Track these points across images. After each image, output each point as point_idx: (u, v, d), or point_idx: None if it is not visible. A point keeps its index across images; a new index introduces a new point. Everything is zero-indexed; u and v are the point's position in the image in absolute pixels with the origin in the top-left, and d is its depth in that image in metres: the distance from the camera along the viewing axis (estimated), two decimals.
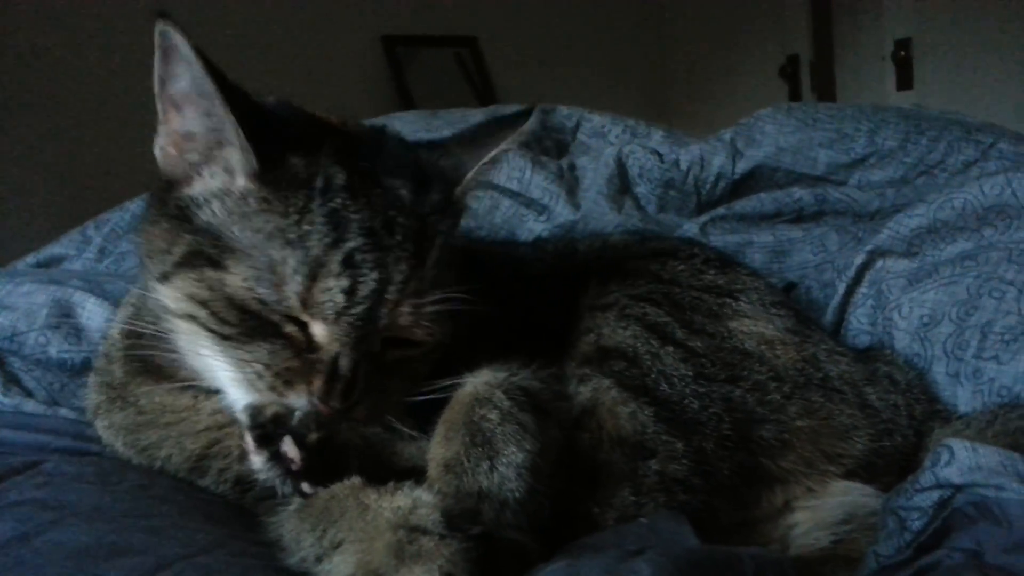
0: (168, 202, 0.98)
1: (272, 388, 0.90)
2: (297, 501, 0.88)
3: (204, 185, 0.96)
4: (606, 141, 2.08)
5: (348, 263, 0.90)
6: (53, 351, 1.40)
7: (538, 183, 1.85)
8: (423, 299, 0.94)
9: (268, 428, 0.87)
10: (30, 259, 1.92)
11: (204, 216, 0.94)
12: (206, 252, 0.92)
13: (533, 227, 1.80)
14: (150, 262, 0.98)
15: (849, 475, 1.12)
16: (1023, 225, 1.40)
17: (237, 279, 0.90)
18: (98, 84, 3.20)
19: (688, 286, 1.23)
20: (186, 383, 1.02)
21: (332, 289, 0.89)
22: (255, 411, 0.89)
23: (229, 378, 0.93)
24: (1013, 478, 0.93)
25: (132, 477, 1.01)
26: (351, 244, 0.91)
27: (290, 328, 0.91)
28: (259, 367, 0.90)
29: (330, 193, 0.93)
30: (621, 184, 1.89)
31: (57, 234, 1.99)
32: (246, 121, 0.92)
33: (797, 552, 1.05)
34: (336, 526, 0.81)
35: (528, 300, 1.19)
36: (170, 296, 0.95)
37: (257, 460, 0.88)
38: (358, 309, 0.90)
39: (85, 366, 1.36)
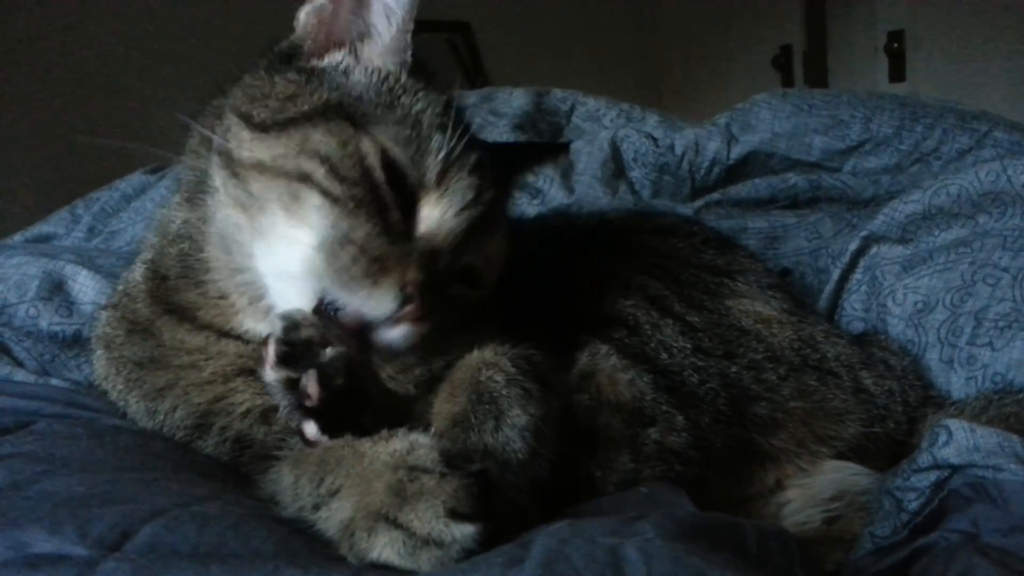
0: (293, 63, 1.01)
1: (365, 275, 0.87)
2: (292, 452, 0.87)
3: (344, 57, 1.00)
4: (601, 125, 2.07)
5: (478, 167, 0.96)
6: (44, 323, 1.38)
7: None
8: (504, 237, 1.02)
9: (297, 349, 0.85)
10: (18, 237, 1.90)
11: (341, 80, 0.97)
12: (349, 108, 0.94)
13: (527, 210, 1.79)
14: (254, 107, 0.96)
15: (840, 457, 1.12)
16: (1018, 212, 1.40)
17: (379, 139, 0.92)
18: (88, 65, 3.17)
19: (687, 263, 1.24)
20: (204, 324, 1.02)
21: (465, 179, 0.94)
22: (291, 326, 0.86)
23: (306, 264, 0.88)
24: (1011, 459, 0.93)
25: (125, 438, 0.99)
26: (479, 155, 0.97)
27: (395, 213, 0.91)
28: (356, 248, 0.87)
29: (459, 112, 0.99)
30: (615, 168, 1.89)
31: (46, 213, 1.97)
32: None
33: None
34: (333, 473, 0.80)
35: (530, 274, 1.19)
36: (274, 149, 0.92)
37: (271, 375, 0.85)
38: (477, 210, 0.95)
39: (76, 339, 1.35)
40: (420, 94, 0.97)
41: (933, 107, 1.89)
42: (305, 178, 0.89)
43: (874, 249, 1.52)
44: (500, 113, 2.09)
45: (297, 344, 0.85)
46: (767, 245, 1.67)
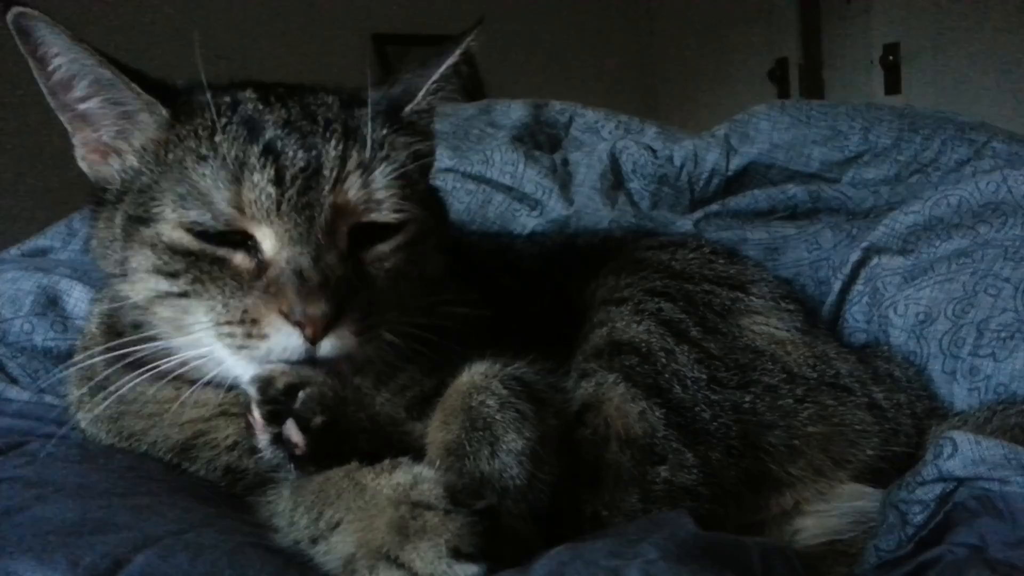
0: (105, 199, 0.96)
1: (250, 335, 0.84)
2: (290, 482, 0.85)
3: (126, 159, 0.94)
4: (599, 137, 2.07)
5: (269, 151, 0.86)
6: (38, 339, 1.37)
7: (531, 177, 1.83)
8: (371, 171, 0.89)
9: (280, 403, 0.83)
10: (14, 251, 1.88)
11: (134, 186, 0.92)
12: (134, 213, 0.90)
13: (526, 222, 1.78)
14: (107, 262, 0.95)
15: (856, 478, 1.09)
16: (1018, 222, 1.40)
17: (168, 221, 0.87)
18: None
19: (701, 278, 1.20)
20: (168, 374, 0.98)
21: (260, 180, 0.85)
22: (265, 383, 0.84)
23: (223, 347, 0.88)
24: (1018, 472, 0.92)
25: (119, 459, 0.98)
26: (268, 135, 0.88)
27: (238, 257, 0.86)
28: (228, 317, 0.85)
29: (239, 106, 0.91)
30: (615, 180, 1.88)
31: (42, 226, 1.95)
32: (137, 78, 0.90)
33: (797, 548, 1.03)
34: (333, 507, 0.78)
35: (524, 294, 1.17)
36: (134, 287, 0.91)
37: (263, 439, 0.84)
38: (292, 192, 0.85)
39: (71, 355, 1.32)
40: (182, 141, 0.89)
41: (931, 118, 1.89)
42: (162, 295, 0.89)
43: (875, 260, 1.51)
44: (499, 125, 2.09)
45: (279, 398, 0.84)
46: (767, 256, 1.66)
